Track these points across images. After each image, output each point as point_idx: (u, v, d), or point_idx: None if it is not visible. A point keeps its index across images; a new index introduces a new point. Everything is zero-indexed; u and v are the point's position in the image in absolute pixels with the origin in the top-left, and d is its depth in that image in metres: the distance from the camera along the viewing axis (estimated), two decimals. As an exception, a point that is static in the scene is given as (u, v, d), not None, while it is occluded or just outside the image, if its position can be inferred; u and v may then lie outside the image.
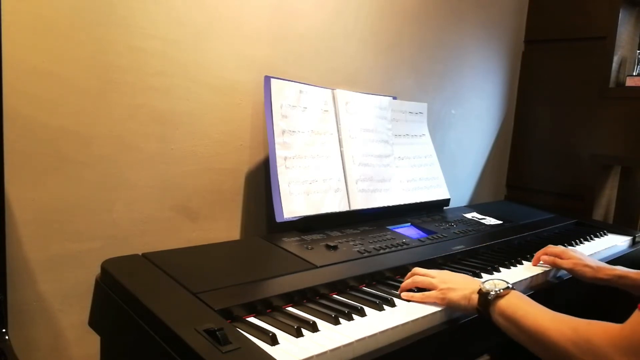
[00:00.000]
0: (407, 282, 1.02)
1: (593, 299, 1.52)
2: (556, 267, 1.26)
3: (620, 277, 1.20)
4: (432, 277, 1.00)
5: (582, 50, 2.04)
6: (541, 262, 1.29)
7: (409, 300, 0.98)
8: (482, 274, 1.16)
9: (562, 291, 1.29)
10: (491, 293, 0.90)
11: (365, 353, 0.80)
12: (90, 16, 1.05)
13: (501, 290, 0.90)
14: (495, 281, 0.92)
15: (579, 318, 0.82)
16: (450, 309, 0.96)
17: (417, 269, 1.05)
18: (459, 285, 0.97)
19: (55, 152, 1.04)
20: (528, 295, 0.92)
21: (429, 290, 0.99)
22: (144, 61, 1.13)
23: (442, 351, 0.95)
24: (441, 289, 0.97)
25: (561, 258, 1.26)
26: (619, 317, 0.78)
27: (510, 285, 0.91)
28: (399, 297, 0.99)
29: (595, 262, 1.25)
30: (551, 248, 1.29)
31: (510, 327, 0.87)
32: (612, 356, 0.73)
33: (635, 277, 1.18)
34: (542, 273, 1.24)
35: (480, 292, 0.92)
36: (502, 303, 0.89)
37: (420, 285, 1.00)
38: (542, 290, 1.19)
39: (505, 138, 2.27)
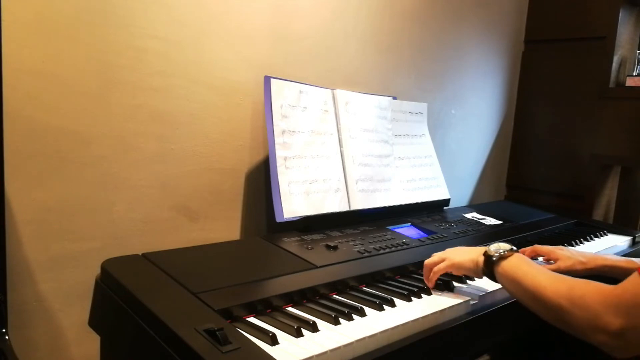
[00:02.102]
0: (424, 270, 1.07)
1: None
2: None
3: (611, 267, 1.21)
4: (442, 253, 1.08)
5: (582, 50, 2.04)
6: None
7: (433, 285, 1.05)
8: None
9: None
10: (495, 254, 0.96)
11: (365, 353, 0.80)
12: (90, 16, 1.05)
13: (505, 252, 0.96)
14: (500, 244, 0.99)
15: (577, 278, 0.86)
16: (458, 270, 1.03)
17: (433, 254, 1.10)
18: (466, 252, 1.04)
19: (55, 152, 1.04)
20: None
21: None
22: (144, 61, 1.13)
23: (442, 351, 0.94)
24: (449, 257, 1.04)
25: (549, 258, 1.26)
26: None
27: (514, 248, 0.97)
28: (399, 296, 0.99)
29: (584, 255, 1.25)
30: (538, 249, 1.29)
31: (511, 286, 0.93)
32: (602, 313, 0.77)
33: (626, 266, 1.19)
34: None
35: (485, 254, 0.98)
36: (505, 264, 0.94)
37: (432, 265, 1.06)
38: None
39: (505, 138, 2.27)
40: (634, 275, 0.77)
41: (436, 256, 1.08)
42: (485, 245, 1.02)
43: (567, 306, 0.82)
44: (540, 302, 0.87)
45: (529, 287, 0.89)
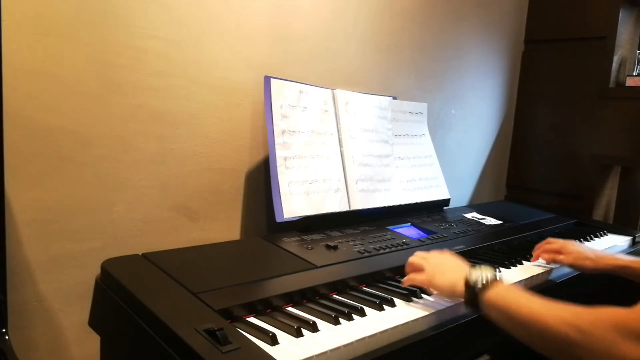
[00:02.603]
0: (406, 266, 1.04)
1: (595, 299, 1.52)
2: (556, 263, 1.27)
3: (622, 267, 1.20)
4: (424, 259, 1.00)
5: (582, 50, 2.04)
6: (541, 259, 1.30)
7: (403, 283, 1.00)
8: (482, 274, 1.16)
9: (563, 291, 1.29)
10: (478, 285, 0.86)
11: (365, 353, 0.80)
12: (90, 16, 1.05)
13: (488, 282, 0.86)
14: (483, 268, 0.89)
15: (583, 306, 0.77)
16: (435, 290, 0.96)
17: (417, 252, 1.06)
18: (447, 270, 0.94)
19: (55, 152, 1.04)
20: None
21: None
22: (144, 61, 1.13)
23: (442, 351, 0.94)
24: (428, 273, 0.96)
25: (561, 253, 1.26)
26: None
27: (497, 275, 0.88)
28: (399, 296, 0.99)
29: (595, 253, 1.25)
30: (550, 244, 1.30)
31: (502, 318, 0.83)
32: (618, 341, 0.68)
33: (636, 267, 1.18)
34: (541, 273, 1.24)
35: (467, 283, 0.88)
36: (491, 295, 0.85)
37: (412, 267, 1.01)
38: (542, 290, 1.19)
39: (505, 138, 2.27)
40: None
41: (418, 257, 1.02)
42: (470, 264, 0.94)
43: (575, 336, 0.72)
44: (540, 334, 0.77)
45: (525, 317, 0.79)
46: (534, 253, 1.31)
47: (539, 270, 1.24)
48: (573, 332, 0.72)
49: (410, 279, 0.99)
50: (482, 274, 0.88)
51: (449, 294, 0.93)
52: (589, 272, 1.24)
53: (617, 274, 1.21)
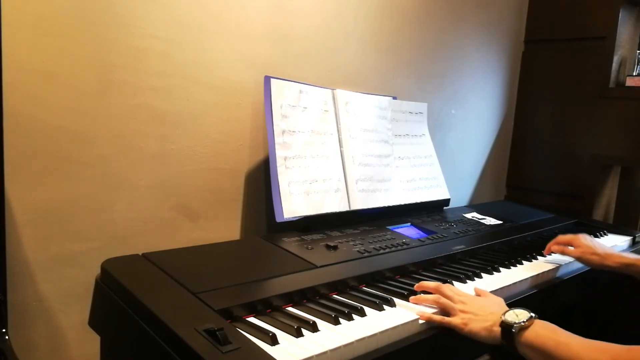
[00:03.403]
0: (429, 298, 0.96)
1: (596, 299, 1.52)
2: (565, 255, 1.29)
3: (629, 264, 1.21)
4: (454, 302, 0.94)
5: (582, 50, 2.04)
6: (552, 252, 1.32)
7: (426, 319, 0.93)
8: (482, 274, 1.16)
9: (564, 291, 1.29)
10: (515, 326, 0.85)
11: (365, 353, 0.80)
12: (90, 16, 1.05)
13: (524, 322, 0.85)
14: (517, 311, 0.88)
15: (615, 344, 0.77)
16: (469, 336, 0.91)
17: (441, 286, 0.99)
18: (480, 314, 0.91)
19: (55, 152, 1.04)
20: (529, 294, 0.91)
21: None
22: (144, 61, 1.13)
23: (442, 351, 0.94)
24: (462, 318, 0.92)
25: (571, 245, 1.28)
26: (623, 318, 0.77)
27: (533, 315, 0.87)
28: (399, 296, 0.99)
29: (603, 250, 1.26)
30: (562, 236, 1.32)
31: (540, 358, 0.82)
32: None
33: None
34: (542, 273, 1.24)
35: (502, 325, 0.87)
36: (529, 335, 0.84)
37: (440, 307, 0.95)
38: (543, 290, 1.19)
39: (505, 138, 2.27)
40: None
41: (448, 292, 0.95)
42: (501, 308, 0.92)
43: None
44: None
45: (563, 358, 0.78)
46: (547, 247, 1.34)
47: (539, 271, 1.24)
48: None
49: (446, 321, 0.92)
50: (516, 314, 0.87)
51: (486, 338, 0.89)
52: (595, 267, 1.25)
53: (623, 271, 1.22)
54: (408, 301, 0.98)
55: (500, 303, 0.97)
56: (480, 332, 0.89)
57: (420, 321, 0.91)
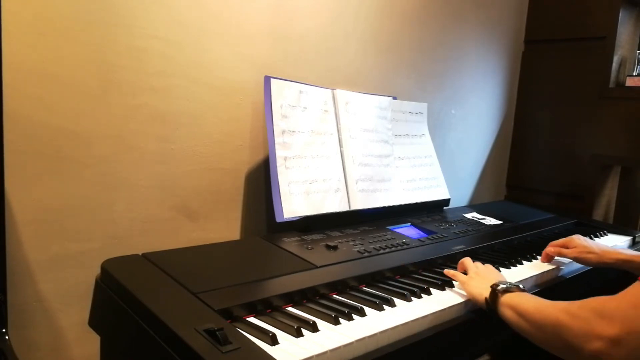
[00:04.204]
0: (458, 264, 1.13)
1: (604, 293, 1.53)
2: (562, 256, 1.30)
3: (625, 261, 1.23)
4: (474, 266, 1.09)
5: (582, 50, 2.04)
6: (548, 253, 1.32)
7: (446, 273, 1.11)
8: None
9: (565, 291, 1.29)
10: (500, 287, 0.94)
11: (365, 353, 0.80)
12: (90, 16, 1.05)
13: (511, 286, 0.94)
14: (511, 282, 0.97)
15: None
16: (468, 296, 1.02)
17: (466, 258, 1.14)
18: (483, 279, 1.02)
19: (55, 152, 1.04)
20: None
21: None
22: (144, 61, 1.13)
23: (442, 351, 0.95)
24: (469, 277, 1.05)
25: (567, 247, 1.29)
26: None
27: (523, 287, 0.96)
28: (399, 296, 0.99)
29: (599, 247, 1.28)
30: (555, 241, 1.32)
31: (511, 314, 0.90)
32: (598, 320, 0.75)
33: (638, 260, 1.21)
34: (542, 273, 1.24)
35: (492, 286, 0.96)
36: (508, 296, 0.93)
37: (461, 266, 1.12)
38: (544, 290, 1.20)
39: (505, 138, 2.27)
40: (636, 283, 0.76)
41: (468, 264, 1.11)
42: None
43: (563, 318, 0.80)
44: (537, 323, 0.85)
45: (530, 310, 0.87)
46: (543, 253, 1.33)
47: (539, 270, 1.24)
48: (562, 316, 0.80)
49: (452, 273, 1.09)
50: (509, 283, 0.96)
51: (477, 300, 0.99)
52: (593, 265, 1.27)
53: (620, 267, 1.24)
54: (408, 301, 0.98)
55: (500, 277, 1.05)
56: (473, 292, 1.00)
57: (422, 316, 0.91)
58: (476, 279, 1.03)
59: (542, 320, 0.84)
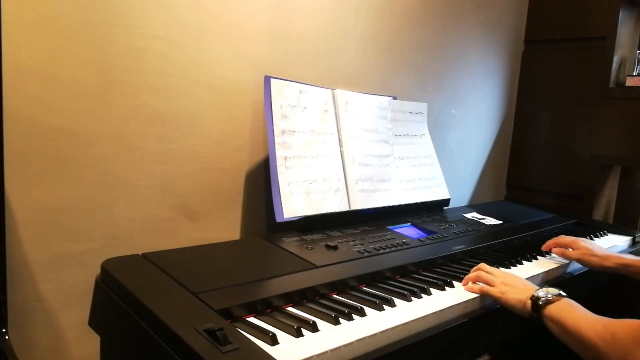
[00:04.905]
0: (472, 275, 1.08)
1: (597, 299, 1.53)
2: (565, 257, 1.32)
3: (627, 265, 1.25)
4: (495, 276, 1.06)
5: (582, 50, 2.04)
6: (553, 253, 1.35)
7: (470, 290, 1.06)
8: (482, 274, 1.16)
9: (566, 290, 1.29)
10: (542, 299, 0.94)
11: (365, 353, 0.80)
12: (90, 16, 1.05)
13: (552, 297, 0.94)
14: (549, 289, 0.97)
15: (616, 319, 0.85)
16: (505, 307, 1.01)
17: (483, 265, 1.11)
18: (517, 289, 1.01)
19: (55, 152, 1.04)
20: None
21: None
22: (144, 61, 1.13)
23: (442, 351, 0.94)
24: (501, 289, 1.02)
25: (571, 248, 1.31)
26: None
27: (563, 293, 0.95)
28: (399, 296, 0.99)
29: (603, 251, 1.30)
30: (562, 239, 1.35)
31: (556, 328, 0.91)
32: (632, 348, 0.77)
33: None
34: (542, 273, 1.24)
35: (532, 298, 0.96)
36: (552, 307, 0.93)
37: (482, 281, 1.07)
38: (557, 285, 1.20)
39: (505, 138, 2.27)
40: None
41: (488, 272, 1.07)
42: (537, 287, 1.01)
43: (601, 345, 0.82)
44: (580, 343, 0.86)
45: (571, 328, 0.88)
46: (546, 244, 1.36)
47: (539, 271, 1.24)
48: (601, 342, 0.82)
49: (482, 291, 1.04)
50: (547, 290, 0.96)
51: (519, 310, 0.98)
52: (595, 268, 1.29)
53: (621, 272, 1.26)
54: (408, 301, 0.98)
55: (531, 284, 1.05)
56: (514, 303, 0.99)
57: (422, 316, 0.91)
58: (511, 289, 1.02)
59: (582, 341, 0.85)
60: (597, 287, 1.44)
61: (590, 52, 2.01)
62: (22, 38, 0.97)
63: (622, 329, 0.80)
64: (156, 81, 1.16)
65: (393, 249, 1.22)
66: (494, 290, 1.03)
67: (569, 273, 1.32)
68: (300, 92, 1.34)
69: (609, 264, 1.26)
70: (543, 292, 0.96)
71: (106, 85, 1.09)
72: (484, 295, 1.04)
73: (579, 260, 1.29)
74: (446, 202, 1.70)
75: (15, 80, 0.97)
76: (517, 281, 1.05)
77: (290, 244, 1.16)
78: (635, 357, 0.76)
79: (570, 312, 0.90)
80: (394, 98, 1.64)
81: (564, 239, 1.35)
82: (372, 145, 1.49)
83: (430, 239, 1.35)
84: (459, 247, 1.30)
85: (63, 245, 1.07)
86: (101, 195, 1.11)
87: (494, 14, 2.06)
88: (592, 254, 1.28)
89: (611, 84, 1.98)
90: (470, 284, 1.07)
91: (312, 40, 1.45)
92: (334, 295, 0.98)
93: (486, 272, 1.08)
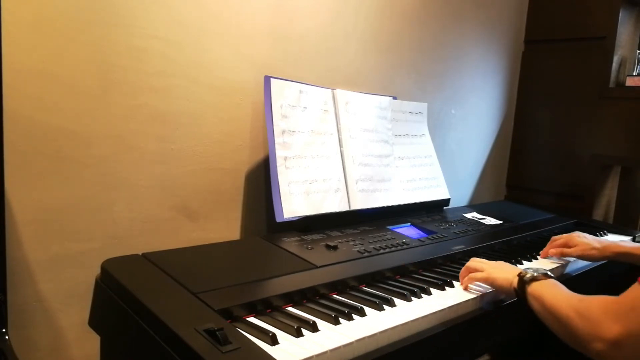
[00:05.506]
0: (463, 270, 1.10)
1: (613, 285, 1.55)
2: (565, 256, 1.32)
3: (624, 253, 1.27)
4: (482, 262, 1.09)
5: (582, 50, 2.04)
6: (550, 255, 1.34)
7: (462, 284, 1.08)
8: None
9: (572, 289, 1.30)
10: (528, 275, 0.96)
11: (365, 353, 0.80)
12: (90, 16, 1.05)
13: (538, 275, 0.96)
14: (538, 268, 0.99)
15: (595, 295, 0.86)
16: (493, 288, 1.04)
17: (472, 258, 1.12)
18: (504, 269, 1.04)
19: (55, 152, 1.04)
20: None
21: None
22: (144, 61, 1.13)
23: (442, 351, 0.95)
24: (489, 271, 1.04)
25: (568, 246, 1.31)
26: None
27: (549, 273, 0.97)
28: (399, 296, 0.99)
29: (600, 242, 1.31)
30: (557, 239, 1.35)
31: (536, 305, 0.93)
32: (601, 320, 0.78)
33: (637, 253, 1.26)
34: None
35: (519, 274, 0.98)
36: (536, 284, 0.95)
37: (469, 270, 1.08)
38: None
39: (505, 138, 2.27)
40: (635, 284, 0.78)
41: (476, 262, 1.09)
42: (524, 269, 1.03)
43: (573, 317, 0.83)
44: (555, 318, 0.88)
45: (548, 303, 0.90)
46: (543, 251, 1.36)
47: (546, 268, 1.24)
48: (573, 314, 0.83)
49: (470, 277, 1.06)
50: (536, 269, 0.98)
51: (503, 286, 1.01)
52: (596, 261, 1.31)
53: (620, 260, 1.28)
54: (408, 301, 0.98)
55: (519, 267, 1.06)
56: (502, 282, 1.01)
57: (422, 316, 0.91)
58: (498, 269, 1.04)
59: (558, 315, 0.87)
60: (603, 281, 1.44)
61: (590, 52, 2.01)
62: (22, 38, 0.97)
63: (595, 303, 0.82)
64: (156, 81, 1.16)
65: (393, 249, 1.22)
66: (481, 274, 1.05)
67: (569, 273, 1.32)
68: (300, 92, 1.34)
69: (607, 253, 1.28)
70: (531, 270, 0.98)
71: (106, 85, 1.09)
72: (484, 295, 1.04)
73: (580, 257, 1.30)
74: (446, 202, 1.70)
75: (15, 80, 0.97)
76: (506, 265, 1.07)
77: (290, 244, 1.16)
78: (602, 328, 0.77)
79: (551, 289, 0.92)
80: (394, 98, 1.64)
81: (559, 239, 1.35)
82: (372, 145, 1.49)
83: (430, 239, 1.35)
84: (458, 247, 1.30)
85: (63, 245, 1.07)
86: (101, 195, 1.11)
87: (494, 14, 2.06)
88: (592, 247, 1.29)
89: (611, 84, 1.98)
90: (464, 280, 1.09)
91: (312, 40, 1.45)
92: (334, 295, 0.98)
93: (477, 261, 1.10)
